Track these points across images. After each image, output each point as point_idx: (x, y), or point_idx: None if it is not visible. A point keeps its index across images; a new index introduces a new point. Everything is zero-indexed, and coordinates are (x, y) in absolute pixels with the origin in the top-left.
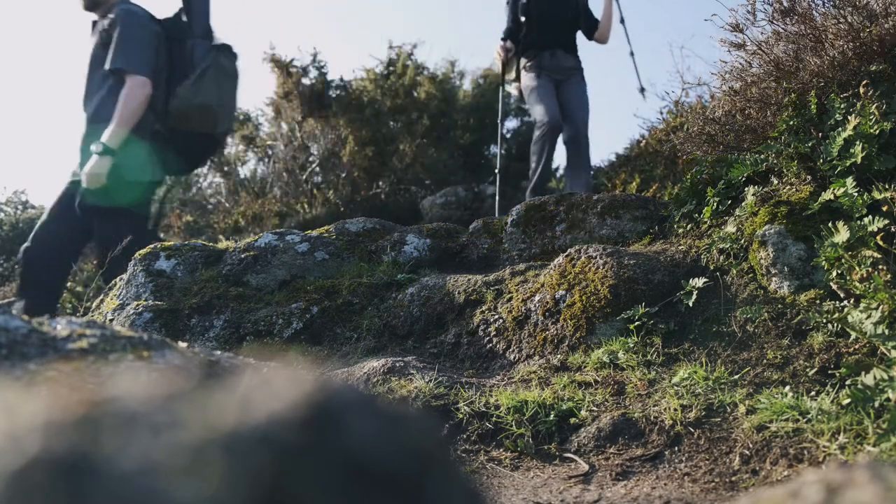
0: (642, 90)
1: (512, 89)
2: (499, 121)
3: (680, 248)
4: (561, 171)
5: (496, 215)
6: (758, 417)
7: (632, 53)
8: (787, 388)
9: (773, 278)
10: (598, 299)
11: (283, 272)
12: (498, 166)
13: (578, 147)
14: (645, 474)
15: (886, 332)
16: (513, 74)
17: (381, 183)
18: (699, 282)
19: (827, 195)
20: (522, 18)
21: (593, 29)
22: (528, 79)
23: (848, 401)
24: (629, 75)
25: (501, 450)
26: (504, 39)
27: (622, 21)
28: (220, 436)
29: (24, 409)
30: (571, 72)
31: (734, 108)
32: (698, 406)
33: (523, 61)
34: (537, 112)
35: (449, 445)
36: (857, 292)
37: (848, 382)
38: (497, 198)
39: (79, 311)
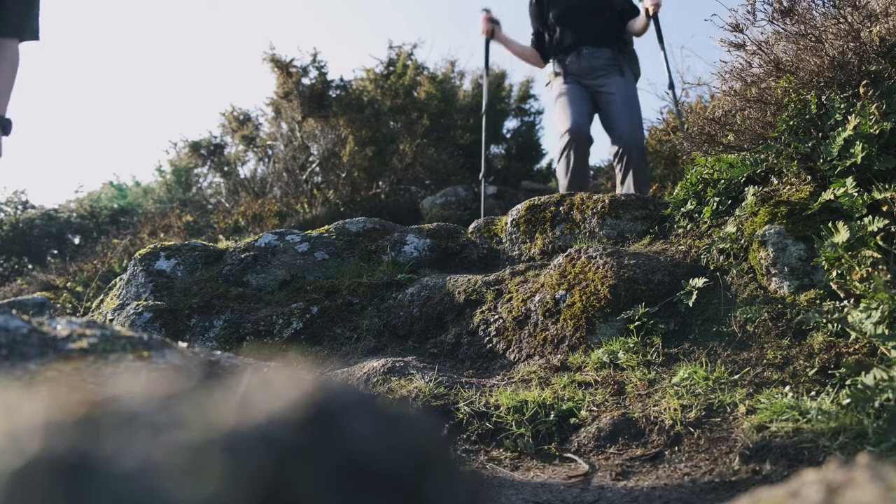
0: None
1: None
2: (483, 112)
3: (680, 248)
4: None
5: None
6: (758, 417)
7: (671, 86)
8: (787, 388)
9: (773, 278)
10: (598, 299)
11: (283, 272)
12: (483, 170)
13: (628, 163)
14: (645, 474)
15: (886, 332)
16: (551, 86)
17: (381, 183)
18: (699, 282)
19: (827, 195)
20: (538, 27)
21: (631, 15)
22: (554, 89)
23: (848, 401)
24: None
25: (501, 450)
26: (487, 10)
27: (663, 49)
28: (220, 436)
29: (24, 409)
30: (605, 71)
31: (734, 108)
32: (698, 406)
33: (548, 69)
34: (560, 122)
35: (449, 445)
36: (857, 292)
37: (848, 382)
38: (482, 205)
39: (79, 311)
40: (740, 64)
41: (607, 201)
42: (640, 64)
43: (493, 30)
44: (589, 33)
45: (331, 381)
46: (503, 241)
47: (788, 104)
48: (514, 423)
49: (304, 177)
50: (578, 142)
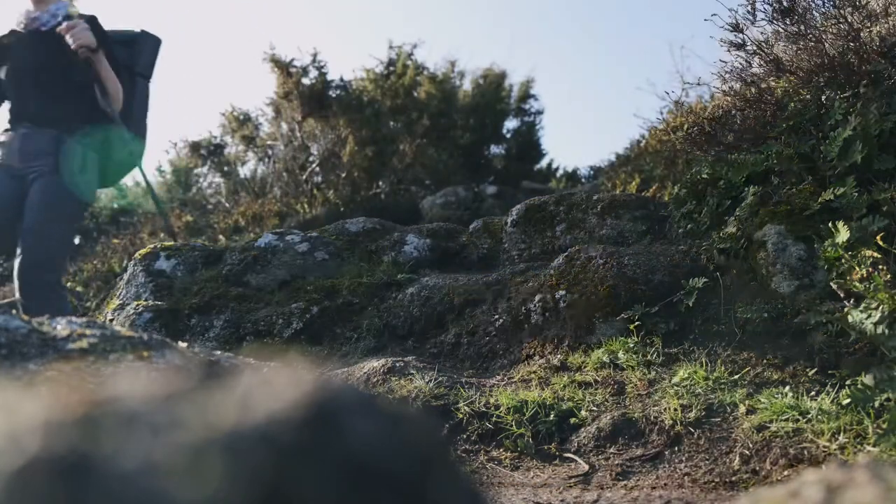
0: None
1: None
2: None
3: (680, 248)
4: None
5: None
6: (758, 417)
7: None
8: (787, 388)
9: (773, 278)
10: (598, 299)
11: (283, 272)
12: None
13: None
14: (645, 474)
15: (886, 332)
16: None
17: (381, 183)
18: (699, 282)
19: (827, 195)
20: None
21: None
22: None
23: (848, 401)
24: (628, 74)
25: (501, 450)
26: None
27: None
28: (220, 436)
29: (24, 409)
30: (42, 160)
31: (734, 108)
32: (698, 406)
33: None
34: None
35: (449, 445)
36: (857, 292)
37: (848, 382)
38: None
39: (79, 311)
40: (740, 64)
41: (607, 201)
42: (634, 65)
43: None
44: (36, 104)
45: (331, 381)
46: (503, 241)
47: (788, 104)
48: (513, 423)
49: (304, 177)
50: None
